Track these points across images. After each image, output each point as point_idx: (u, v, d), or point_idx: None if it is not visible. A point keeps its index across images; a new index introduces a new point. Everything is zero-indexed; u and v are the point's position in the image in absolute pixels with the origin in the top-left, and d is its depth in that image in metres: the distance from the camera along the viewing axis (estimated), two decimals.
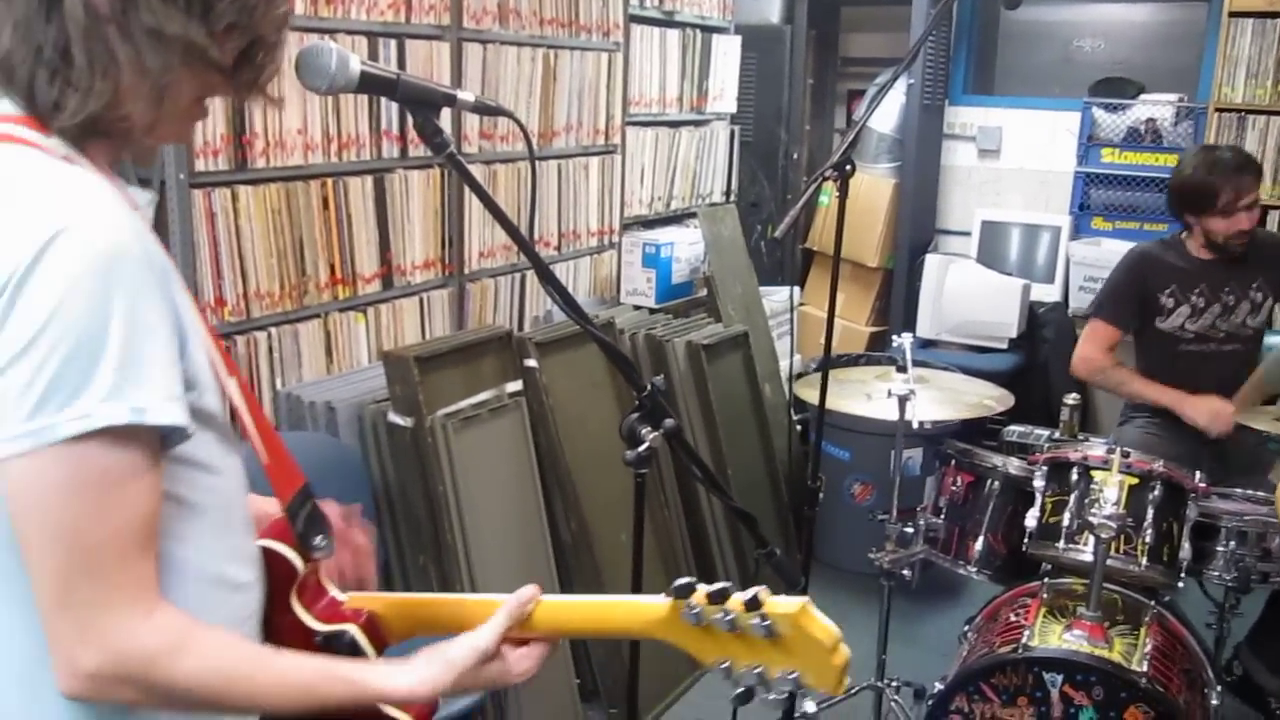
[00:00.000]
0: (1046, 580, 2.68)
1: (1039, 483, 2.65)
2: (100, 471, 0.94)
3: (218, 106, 2.52)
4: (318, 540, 1.18)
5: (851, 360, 4.23)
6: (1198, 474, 2.61)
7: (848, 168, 2.34)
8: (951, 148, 5.21)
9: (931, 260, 4.73)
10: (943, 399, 3.07)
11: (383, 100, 2.95)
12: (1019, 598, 2.71)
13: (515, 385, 2.91)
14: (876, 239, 4.93)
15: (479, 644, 1.12)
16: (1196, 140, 4.58)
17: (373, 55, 2.89)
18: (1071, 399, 3.14)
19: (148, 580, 0.99)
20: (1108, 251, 4.59)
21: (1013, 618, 2.61)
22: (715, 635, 1.08)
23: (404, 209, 3.08)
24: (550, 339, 3.01)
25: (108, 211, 0.97)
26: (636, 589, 1.55)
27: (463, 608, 1.20)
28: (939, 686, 2.49)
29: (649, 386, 1.40)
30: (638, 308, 3.97)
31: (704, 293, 4.22)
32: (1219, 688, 2.55)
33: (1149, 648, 2.42)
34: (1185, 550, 2.53)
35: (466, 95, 1.26)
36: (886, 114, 4.91)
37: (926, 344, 4.66)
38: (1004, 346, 4.58)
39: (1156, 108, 4.71)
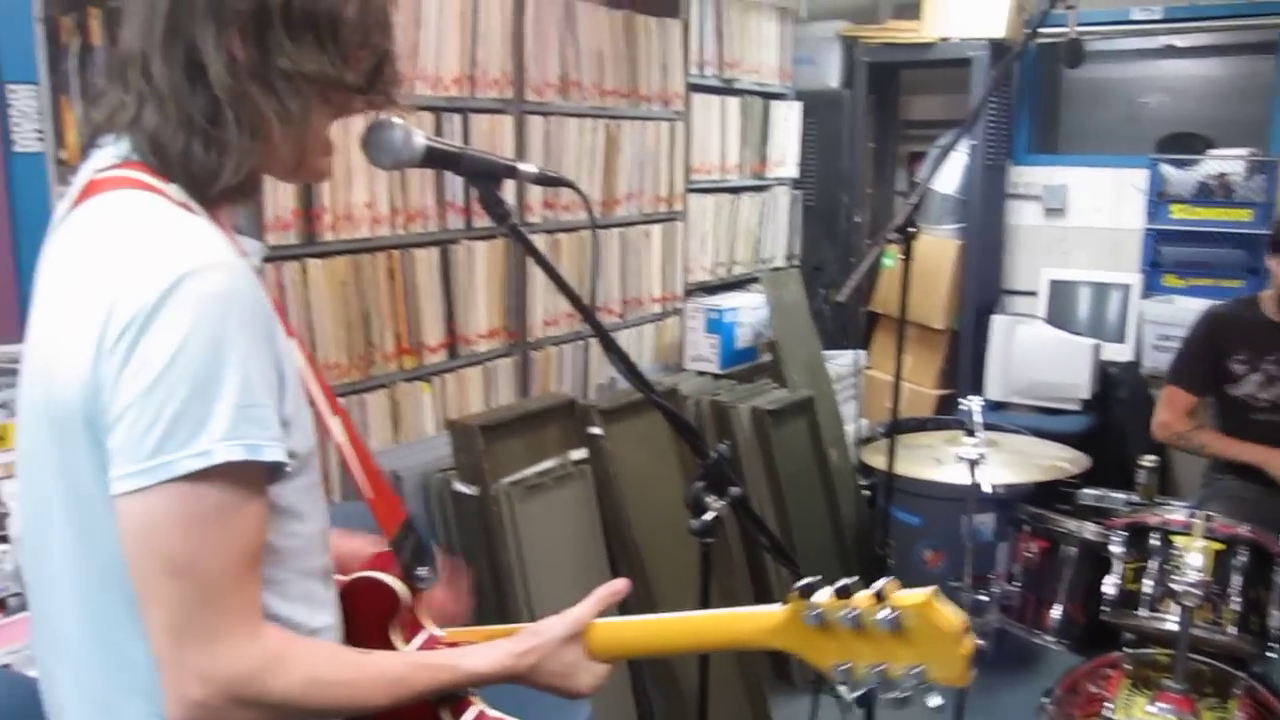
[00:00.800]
0: (1128, 650, 2.59)
1: (1117, 548, 2.57)
2: (217, 506, 0.98)
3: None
4: (422, 571, 1.22)
5: (919, 424, 4.16)
6: None
7: (910, 230, 2.32)
8: (1016, 207, 5.16)
9: (999, 321, 4.66)
10: (1015, 462, 3.00)
11: (446, 172, 3.00)
12: (1100, 669, 2.62)
13: (580, 453, 2.91)
14: (942, 300, 4.88)
15: (567, 617, 1.22)
16: (1270, 194, 4.49)
17: (438, 130, 2.95)
18: (1149, 461, 3.05)
19: (255, 602, 1.03)
20: (1181, 309, 4.49)
21: (1094, 690, 2.52)
22: (836, 635, 1.08)
23: (469, 279, 3.12)
24: (615, 406, 3.01)
25: (225, 259, 1.01)
26: (704, 660, 1.52)
27: None
28: None
29: (714, 454, 1.38)
30: (702, 374, 3.96)
31: (768, 358, 4.20)
32: None
33: None
34: (1275, 618, 2.43)
35: (528, 167, 1.27)
36: (949, 175, 4.89)
37: (996, 406, 4.58)
38: (1076, 408, 4.48)
39: (1227, 162, 4.62)
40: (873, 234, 5.12)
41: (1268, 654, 2.46)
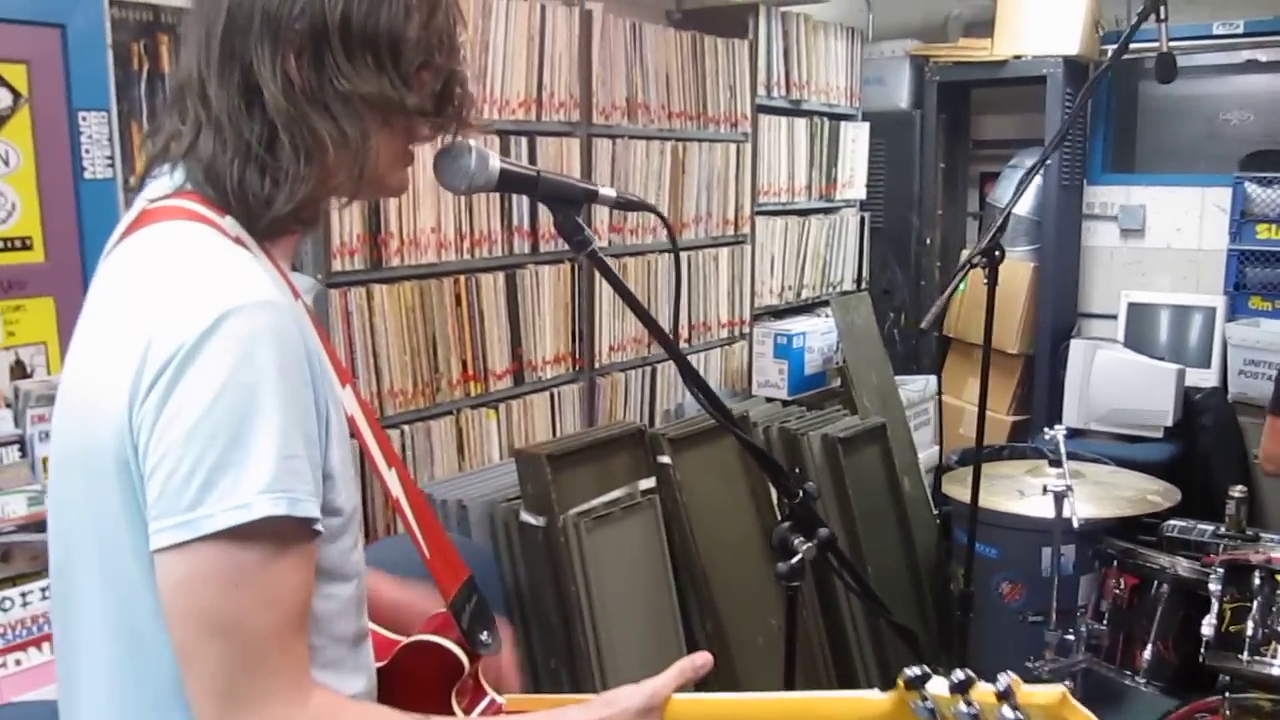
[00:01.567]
0: (1228, 695, 2.45)
1: (1215, 586, 2.44)
2: (260, 562, 0.92)
3: (354, 208, 2.55)
4: (484, 636, 1.17)
5: (995, 453, 4.05)
6: None
7: (996, 254, 2.22)
8: (1092, 228, 5.02)
9: (1077, 346, 4.52)
10: (1101, 494, 2.89)
11: (514, 196, 2.96)
12: (1197, 713, 2.48)
13: (648, 482, 2.84)
14: (1016, 324, 4.74)
15: (644, 688, 1.13)
16: None
17: (504, 153, 2.91)
18: (1238, 491, 2.91)
19: (303, 663, 0.97)
20: (1268, 333, 4.32)
21: None
22: None
23: (535, 304, 3.07)
24: (683, 434, 2.94)
25: (271, 299, 0.96)
26: None
27: None
28: None
29: (801, 493, 1.30)
30: (770, 400, 3.87)
31: (838, 383, 4.11)
32: None
33: None
34: None
35: (608, 191, 1.21)
36: (1024, 196, 4.76)
37: (1074, 434, 4.42)
38: (1159, 436, 4.32)
39: None
40: (945, 257, 5.01)
41: None
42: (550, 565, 2.60)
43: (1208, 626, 2.41)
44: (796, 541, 1.30)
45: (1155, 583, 2.66)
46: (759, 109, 3.94)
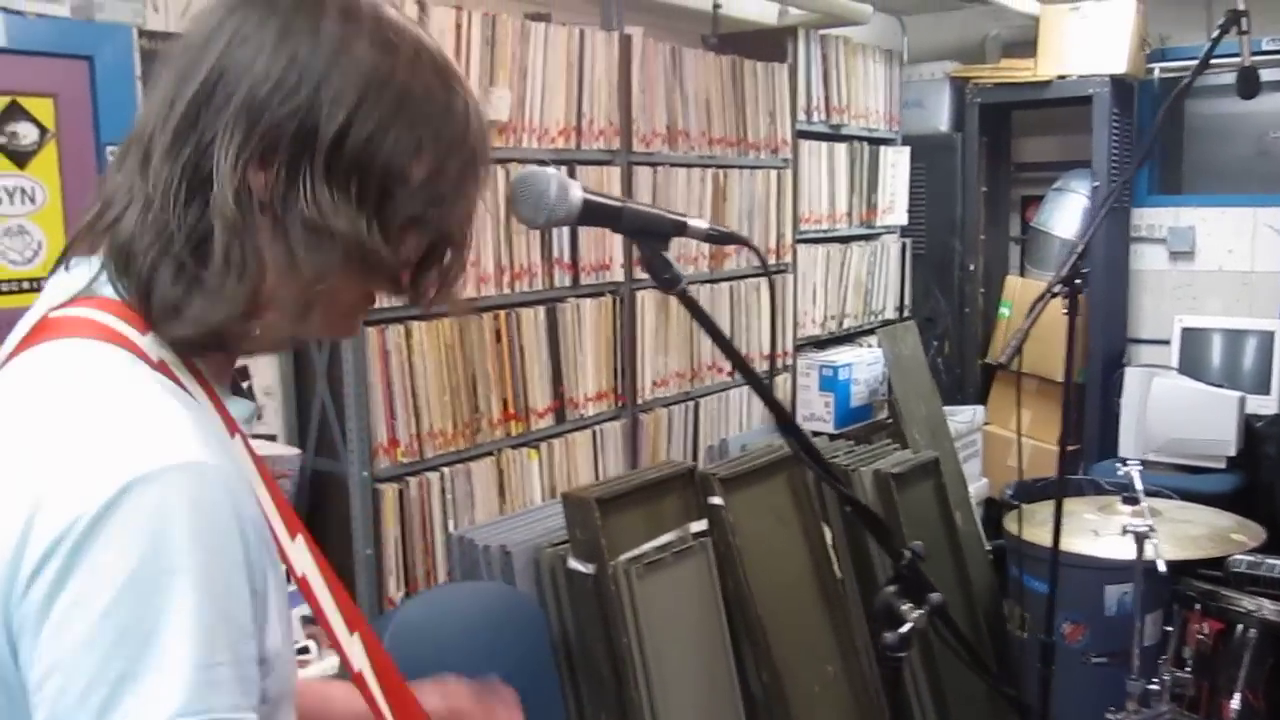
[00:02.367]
0: None
1: None
2: None
3: None
4: None
5: (1047, 487, 3.89)
6: None
7: (1077, 282, 2.10)
8: (1139, 251, 4.87)
9: (1132, 374, 4.36)
10: (1175, 533, 2.74)
11: (555, 229, 2.85)
12: None
13: (700, 524, 2.70)
14: (1063, 351, 4.59)
15: None
16: None
17: None
18: None
19: None
20: None
21: None
22: None
23: (576, 339, 2.95)
24: (734, 474, 2.80)
25: (193, 461, 0.77)
26: None
27: None
28: None
29: (908, 553, 1.17)
30: (817, 434, 3.74)
31: (884, 415, 3.97)
32: None
33: None
34: None
35: (698, 222, 1.09)
36: (1068, 219, 4.63)
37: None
38: (1221, 466, 4.15)
39: None
40: (986, 282, 4.87)
41: None
42: (601, 614, 2.47)
43: None
44: (904, 608, 1.16)
45: (1240, 627, 2.51)
46: (799, 134, 3.83)
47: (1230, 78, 4.64)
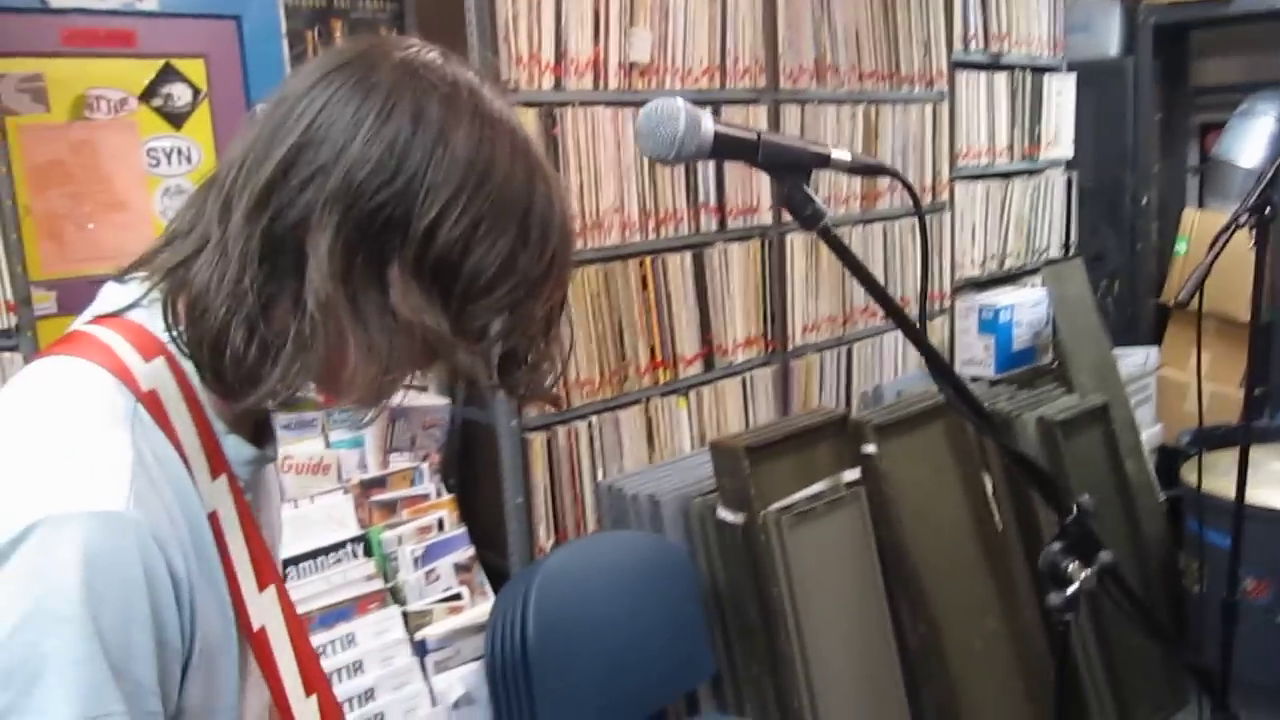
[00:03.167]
0: None
1: None
2: None
3: None
4: None
5: (1230, 434, 3.65)
6: None
7: (1267, 211, 1.92)
8: None
9: None
10: None
11: (699, 170, 2.79)
12: None
13: (853, 474, 2.62)
14: (1247, 289, 4.29)
15: None
16: None
17: None
18: None
19: None
20: None
21: None
22: None
23: (724, 285, 2.89)
24: (889, 421, 2.71)
25: (110, 511, 0.74)
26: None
27: None
28: None
29: (1075, 508, 1.08)
30: (975, 379, 3.59)
31: (1048, 359, 3.78)
32: None
33: None
34: None
35: (842, 153, 1.01)
36: (1254, 147, 4.30)
37: None
38: None
39: None
40: (1161, 216, 4.58)
41: None
42: (750, 565, 2.42)
43: None
44: (1071, 567, 1.07)
45: None
46: (955, 65, 3.65)
47: None
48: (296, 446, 2.36)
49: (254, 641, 0.85)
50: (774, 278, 3.03)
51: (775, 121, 2.98)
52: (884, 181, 3.40)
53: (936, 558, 2.69)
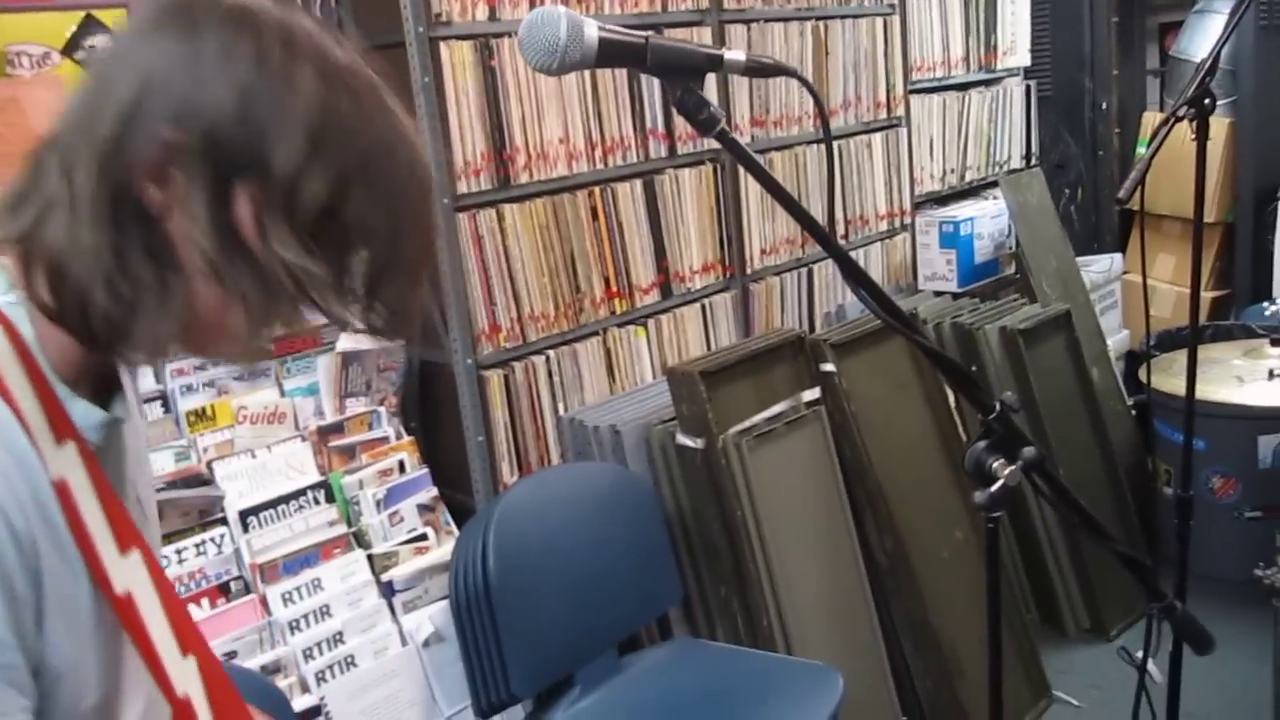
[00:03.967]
0: None
1: None
2: None
3: (474, 120, 2.39)
4: None
5: (1198, 334, 3.66)
6: None
7: (1206, 103, 1.90)
8: None
9: None
10: None
11: (645, 96, 2.75)
12: None
13: (812, 393, 2.63)
14: (1211, 189, 4.28)
15: None
16: None
17: None
18: None
19: None
20: None
21: None
22: None
23: (677, 211, 2.87)
24: (847, 339, 2.70)
25: None
26: (995, 653, 1.23)
27: None
28: None
29: (998, 406, 1.08)
30: (939, 293, 3.59)
31: (1012, 270, 3.78)
32: None
33: None
34: None
35: (736, 54, 0.99)
36: (1212, 42, 4.25)
37: None
38: None
39: None
40: (1122, 122, 4.56)
41: None
42: (712, 489, 2.43)
43: None
44: (995, 465, 1.07)
45: None
46: None
47: None
48: (251, 396, 2.34)
49: (119, 607, 0.82)
50: (728, 202, 3.00)
51: (720, 42, 2.94)
52: (838, 99, 3.37)
53: (901, 472, 2.71)
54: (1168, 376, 2.74)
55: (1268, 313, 2.45)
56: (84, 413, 0.82)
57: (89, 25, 2.21)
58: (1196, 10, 4.31)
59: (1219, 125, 4.21)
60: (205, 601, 2.11)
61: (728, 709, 2.15)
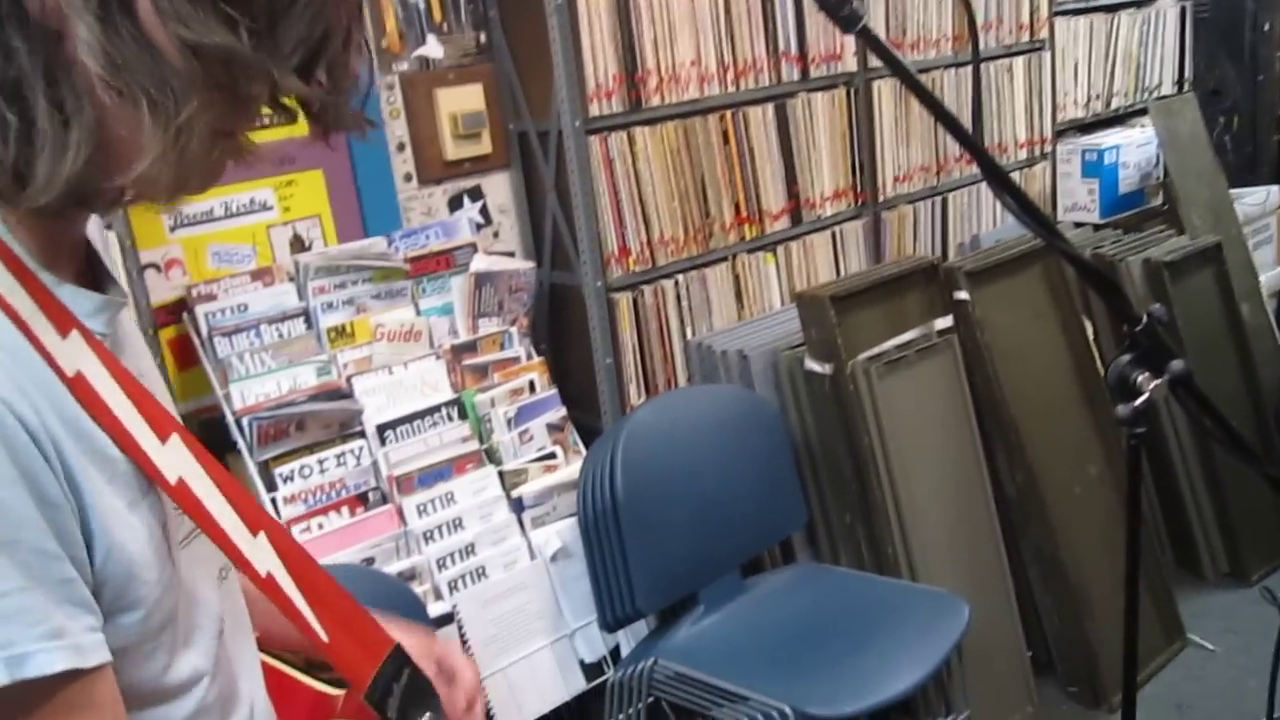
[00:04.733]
0: None
1: None
2: None
3: (606, 42, 2.39)
4: None
5: None
6: None
7: None
8: None
9: None
10: None
11: (779, 17, 2.70)
12: None
13: (944, 321, 2.58)
14: None
15: None
16: None
17: None
18: None
19: None
20: None
21: None
22: None
23: (809, 136, 2.82)
24: (982, 267, 2.64)
25: None
26: (1132, 583, 1.20)
27: None
28: None
29: (1145, 317, 1.04)
30: (1080, 224, 3.47)
31: (1159, 201, 3.63)
32: None
33: None
34: None
35: None
36: None
37: None
38: None
39: None
40: None
41: None
42: (840, 416, 2.42)
43: None
44: (1141, 379, 1.04)
45: None
46: None
47: None
48: (388, 314, 2.41)
49: (176, 495, 0.75)
50: (861, 127, 2.95)
51: None
52: (979, 19, 3.25)
53: (1034, 405, 2.64)
54: None
55: None
56: (73, 298, 0.72)
57: None
58: None
59: None
60: (345, 510, 2.20)
61: (850, 632, 2.16)
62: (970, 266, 2.60)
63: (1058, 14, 3.51)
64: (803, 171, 2.82)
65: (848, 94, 2.90)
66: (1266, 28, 4.16)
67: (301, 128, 0.76)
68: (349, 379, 2.31)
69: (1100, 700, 2.60)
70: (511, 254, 2.65)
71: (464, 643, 2.16)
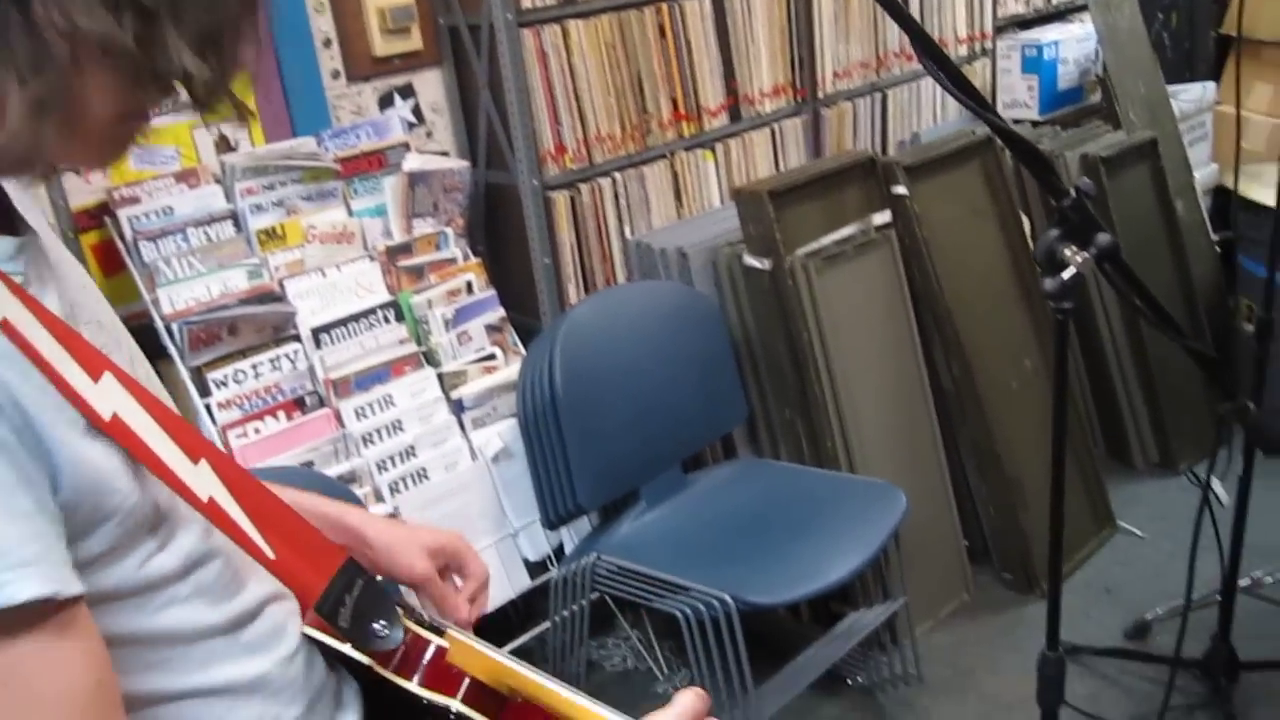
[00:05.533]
0: None
1: None
2: None
3: None
4: (379, 627, 0.89)
5: None
6: None
7: None
8: None
9: None
10: None
11: None
12: None
13: (883, 216, 2.57)
14: None
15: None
16: None
17: None
18: None
19: None
20: None
21: None
22: None
23: (747, 30, 2.78)
24: (921, 162, 2.63)
25: None
26: (1059, 457, 1.22)
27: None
28: None
29: (1073, 192, 1.04)
30: (1019, 121, 3.46)
31: (1096, 98, 3.63)
32: None
33: None
34: None
35: None
36: None
37: None
38: None
39: None
40: None
41: None
42: (779, 310, 2.42)
43: None
44: (1068, 252, 1.04)
45: None
46: None
47: None
48: (319, 216, 2.36)
49: (111, 431, 0.75)
50: (800, 21, 2.90)
51: None
52: None
53: (972, 299, 2.66)
54: (1254, 184, 2.61)
55: None
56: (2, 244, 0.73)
57: None
58: None
59: None
60: (282, 414, 2.17)
61: (790, 523, 2.19)
62: (908, 161, 2.60)
63: None
64: (741, 67, 2.78)
65: None
66: None
67: None
68: (281, 282, 2.27)
69: (1033, 586, 2.67)
70: (446, 154, 2.60)
71: None
